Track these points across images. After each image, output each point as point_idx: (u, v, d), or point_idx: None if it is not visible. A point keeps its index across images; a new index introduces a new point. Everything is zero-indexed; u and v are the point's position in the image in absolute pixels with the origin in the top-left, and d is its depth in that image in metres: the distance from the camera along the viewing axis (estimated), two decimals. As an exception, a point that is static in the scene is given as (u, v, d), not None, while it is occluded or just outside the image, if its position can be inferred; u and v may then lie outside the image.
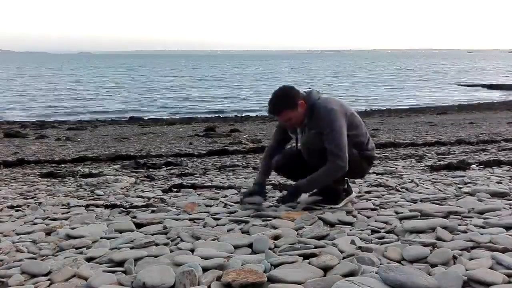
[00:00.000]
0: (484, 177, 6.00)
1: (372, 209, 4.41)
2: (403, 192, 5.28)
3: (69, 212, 5.00)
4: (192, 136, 17.58)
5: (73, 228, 4.12)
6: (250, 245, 3.35)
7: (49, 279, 2.88)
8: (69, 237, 3.81)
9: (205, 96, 42.56)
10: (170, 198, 5.73)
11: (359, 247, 3.20)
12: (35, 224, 4.39)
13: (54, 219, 4.60)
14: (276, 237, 3.50)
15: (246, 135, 17.72)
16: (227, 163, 9.84)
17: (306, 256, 2.99)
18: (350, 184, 4.84)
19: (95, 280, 2.75)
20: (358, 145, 4.40)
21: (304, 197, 4.66)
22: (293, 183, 4.63)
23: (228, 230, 3.88)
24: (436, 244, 3.15)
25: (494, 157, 8.28)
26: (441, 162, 8.18)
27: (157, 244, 3.47)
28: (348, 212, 4.29)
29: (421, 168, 7.69)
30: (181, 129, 21.36)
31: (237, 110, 33.36)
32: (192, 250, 3.29)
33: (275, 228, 3.78)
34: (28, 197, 6.22)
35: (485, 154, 9.41)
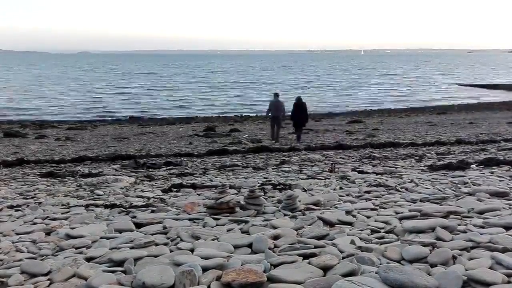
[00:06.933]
0: (484, 177, 6.01)
1: (372, 209, 4.41)
2: (402, 192, 5.29)
3: (69, 212, 5.01)
4: (192, 136, 17.60)
5: (73, 228, 4.12)
6: (250, 245, 3.35)
7: (48, 279, 2.88)
8: (68, 237, 3.81)
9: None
10: (169, 198, 5.73)
11: (359, 247, 3.20)
12: (34, 224, 4.40)
13: (54, 219, 4.61)
14: (276, 237, 3.50)
15: (246, 135, 17.74)
16: (227, 163, 9.86)
17: (306, 256, 2.98)
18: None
19: (95, 280, 2.74)
20: None
21: None
22: None
23: (228, 230, 3.88)
24: (436, 244, 3.15)
25: (494, 157, 8.29)
26: (441, 162, 8.19)
27: (156, 244, 3.47)
28: (348, 212, 4.29)
29: (420, 168, 7.69)
30: (180, 129, 21.38)
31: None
32: (192, 250, 3.29)
33: (275, 228, 3.78)
34: (28, 197, 6.23)
35: (485, 154, 9.42)
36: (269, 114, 15.75)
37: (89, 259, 3.23)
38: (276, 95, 16.09)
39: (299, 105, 15.50)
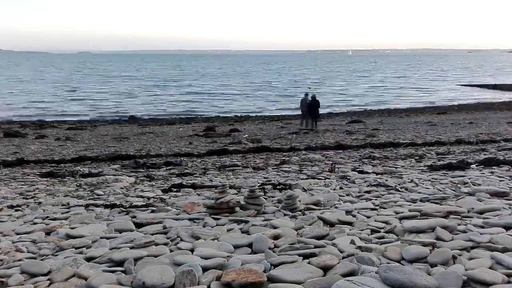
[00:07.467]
0: (484, 177, 6.00)
1: (372, 209, 4.41)
2: (402, 192, 5.29)
3: (69, 212, 5.00)
4: (191, 136, 17.60)
5: (73, 228, 4.12)
6: (250, 245, 3.35)
7: (48, 279, 2.88)
8: (68, 237, 3.81)
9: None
10: (169, 198, 5.73)
11: (359, 247, 3.20)
12: (34, 224, 4.40)
13: (54, 219, 4.60)
14: (276, 237, 3.50)
15: (246, 135, 17.74)
16: (227, 163, 9.86)
17: (306, 256, 2.98)
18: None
19: (95, 280, 2.74)
20: None
21: None
22: None
23: (228, 230, 3.88)
24: (436, 244, 3.15)
25: (494, 157, 8.29)
26: (441, 162, 8.19)
27: (156, 244, 3.47)
28: (348, 212, 4.29)
29: (420, 168, 7.69)
30: (180, 129, 21.39)
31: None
32: (192, 250, 3.29)
33: (275, 228, 3.78)
34: (28, 197, 6.22)
35: (485, 154, 9.42)
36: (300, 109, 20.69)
37: (89, 259, 3.23)
38: (306, 94, 21.28)
39: (313, 102, 20.04)
